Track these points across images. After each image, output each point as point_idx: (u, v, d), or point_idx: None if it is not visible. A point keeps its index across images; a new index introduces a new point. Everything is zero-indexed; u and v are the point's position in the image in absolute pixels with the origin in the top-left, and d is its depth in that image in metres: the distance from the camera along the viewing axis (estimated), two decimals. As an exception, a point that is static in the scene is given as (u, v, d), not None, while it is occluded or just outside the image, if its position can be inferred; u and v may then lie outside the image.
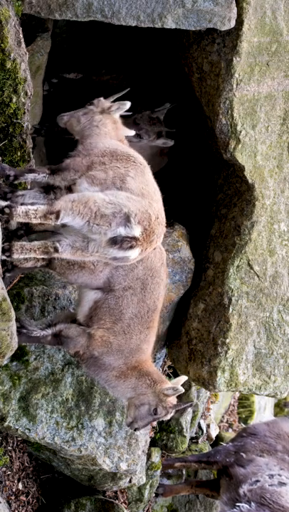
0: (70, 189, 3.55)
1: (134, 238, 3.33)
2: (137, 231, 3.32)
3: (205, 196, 5.41)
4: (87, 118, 3.87)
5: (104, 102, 3.95)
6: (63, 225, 3.42)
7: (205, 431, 6.56)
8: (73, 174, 3.49)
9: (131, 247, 3.34)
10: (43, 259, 3.58)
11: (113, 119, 3.89)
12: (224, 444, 5.40)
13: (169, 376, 5.92)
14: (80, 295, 3.85)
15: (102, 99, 3.99)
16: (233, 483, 4.92)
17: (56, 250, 3.39)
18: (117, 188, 3.41)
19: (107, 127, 3.82)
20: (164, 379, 3.87)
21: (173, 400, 3.79)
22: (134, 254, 3.38)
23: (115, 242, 3.31)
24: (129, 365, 3.80)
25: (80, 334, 3.79)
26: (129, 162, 3.53)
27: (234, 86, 4.63)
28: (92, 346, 3.76)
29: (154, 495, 5.55)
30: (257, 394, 4.99)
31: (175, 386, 3.75)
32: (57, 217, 3.29)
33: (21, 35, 3.86)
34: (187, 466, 5.64)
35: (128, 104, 3.89)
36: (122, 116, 4.01)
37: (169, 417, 3.80)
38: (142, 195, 3.43)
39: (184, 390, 3.81)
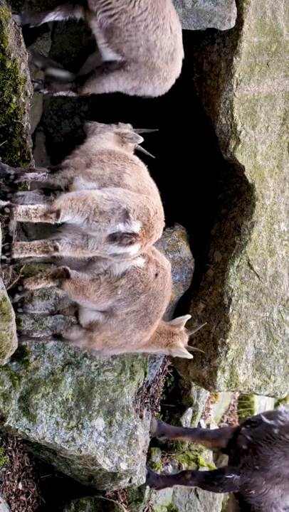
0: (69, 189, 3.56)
1: (134, 234, 3.33)
2: (136, 227, 3.33)
3: (205, 196, 5.41)
4: (102, 130, 3.98)
5: (124, 127, 4.03)
6: (61, 224, 3.42)
7: (205, 431, 6.56)
8: (73, 172, 3.49)
9: (131, 243, 3.34)
10: (53, 280, 3.60)
11: (120, 142, 3.92)
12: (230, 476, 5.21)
13: (168, 376, 5.92)
14: (81, 308, 3.86)
15: (129, 124, 4.09)
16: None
17: (56, 249, 3.39)
18: (114, 184, 3.41)
19: (108, 143, 3.83)
20: (171, 332, 4.02)
21: (183, 349, 4.05)
22: (134, 250, 3.38)
23: (115, 238, 3.32)
24: (133, 350, 3.92)
25: (80, 337, 3.82)
26: (126, 160, 3.55)
27: (234, 86, 4.64)
28: (92, 346, 3.80)
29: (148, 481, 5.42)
30: (257, 394, 4.99)
31: (183, 351, 4.02)
32: (57, 216, 3.29)
33: (21, 35, 3.85)
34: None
35: (140, 140, 3.94)
36: None
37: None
38: (139, 191, 3.44)
39: (191, 356, 4.07)
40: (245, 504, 4.99)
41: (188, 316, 4.14)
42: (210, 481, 5.05)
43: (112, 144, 3.81)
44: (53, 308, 3.99)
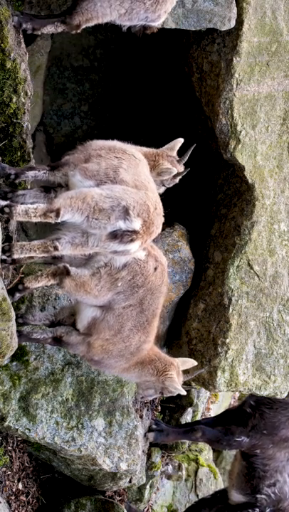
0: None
1: (135, 231, 3.31)
2: (136, 224, 3.30)
3: (205, 196, 5.41)
4: None
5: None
6: (61, 223, 3.41)
7: (205, 431, 6.56)
8: (73, 168, 3.47)
9: (131, 241, 3.32)
10: (54, 278, 3.58)
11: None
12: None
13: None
14: (78, 307, 3.84)
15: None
16: (250, 476, 4.98)
17: (56, 249, 3.38)
18: (110, 180, 3.38)
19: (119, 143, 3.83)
20: (169, 361, 3.91)
21: (177, 384, 3.89)
22: (134, 247, 3.36)
23: (115, 236, 3.30)
24: (131, 363, 3.85)
25: (79, 342, 3.80)
26: (124, 155, 3.51)
27: (234, 86, 4.63)
28: (91, 353, 3.80)
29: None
30: (257, 394, 4.99)
31: (177, 386, 3.86)
32: (57, 215, 3.28)
33: (21, 35, 3.85)
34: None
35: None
36: None
37: (177, 393, 3.96)
38: (136, 186, 3.41)
39: (185, 393, 3.91)
40: (252, 467, 5.01)
41: (193, 361, 4.04)
42: (219, 440, 5.12)
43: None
44: (54, 319, 3.97)
